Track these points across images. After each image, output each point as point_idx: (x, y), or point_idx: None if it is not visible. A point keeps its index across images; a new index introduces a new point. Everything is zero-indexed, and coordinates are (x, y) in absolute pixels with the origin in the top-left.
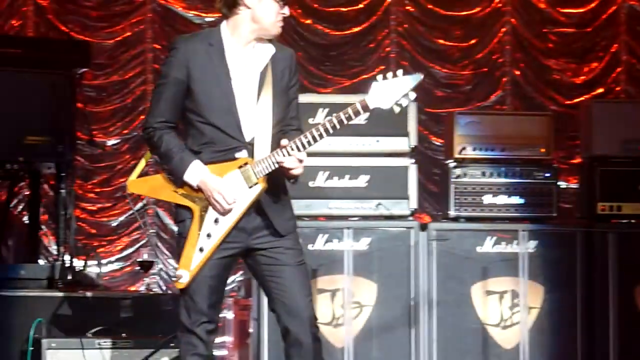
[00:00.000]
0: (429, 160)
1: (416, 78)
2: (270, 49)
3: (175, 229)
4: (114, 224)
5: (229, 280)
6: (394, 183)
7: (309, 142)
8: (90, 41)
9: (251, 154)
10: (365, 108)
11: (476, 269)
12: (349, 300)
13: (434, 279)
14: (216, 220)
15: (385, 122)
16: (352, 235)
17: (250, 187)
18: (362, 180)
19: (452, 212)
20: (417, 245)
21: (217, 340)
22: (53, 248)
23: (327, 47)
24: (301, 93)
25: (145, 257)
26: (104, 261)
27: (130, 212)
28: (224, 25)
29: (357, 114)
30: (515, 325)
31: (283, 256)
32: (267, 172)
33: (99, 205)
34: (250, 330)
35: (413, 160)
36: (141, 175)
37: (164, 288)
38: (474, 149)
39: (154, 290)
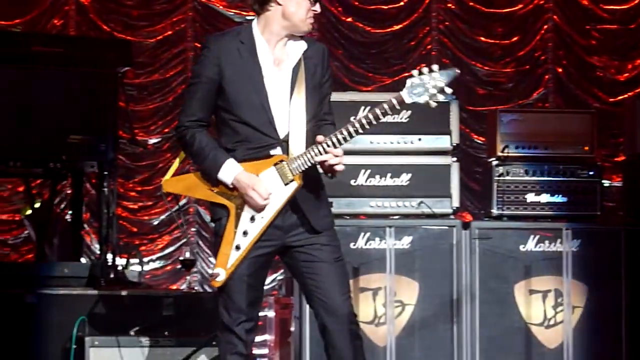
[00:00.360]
0: (470, 159)
1: (452, 73)
2: (302, 45)
3: None
4: (155, 222)
5: (270, 279)
6: (436, 181)
7: (344, 138)
8: (132, 40)
9: (286, 151)
10: (401, 103)
11: (519, 267)
12: (391, 299)
13: (477, 277)
14: (252, 218)
15: (427, 120)
16: (393, 233)
17: (286, 184)
18: (403, 179)
19: (494, 211)
20: (459, 243)
21: (258, 338)
22: (95, 246)
23: (368, 45)
24: (342, 91)
25: (187, 255)
26: (145, 259)
27: (174, 209)
28: (255, 23)
29: (392, 109)
30: (559, 325)
31: (320, 253)
32: (303, 169)
33: (140, 204)
34: (292, 328)
35: (455, 159)
36: (180, 173)
37: (205, 286)
38: (517, 147)
39: (195, 288)
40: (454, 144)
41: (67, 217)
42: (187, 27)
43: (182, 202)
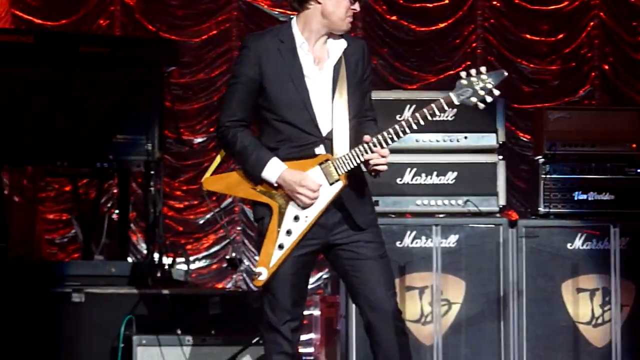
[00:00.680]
0: (516, 157)
1: (500, 75)
2: (342, 43)
3: None
4: (201, 221)
5: (315, 277)
6: (482, 180)
7: (391, 138)
8: (177, 40)
9: (329, 149)
10: (450, 104)
11: (566, 266)
12: (438, 298)
13: (524, 276)
14: (296, 217)
15: (473, 119)
16: (440, 232)
17: (332, 183)
18: (449, 177)
19: (541, 209)
20: (505, 242)
21: (304, 337)
22: (141, 246)
23: (413, 43)
24: (387, 90)
25: (232, 254)
26: (191, 258)
27: (216, 210)
28: (294, 21)
29: (441, 110)
30: (607, 323)
31: (364, 249)
32: (349, 168)
33: (186, 203)
34: (338, 327)
35: (501, 157)
36: (222, 171)
37: (250, 285)
38: (564, 145)
39: (241, 287)
40: (500, 142)
41: (114, 216)
42: (232, 26)
43: (227, 201)
